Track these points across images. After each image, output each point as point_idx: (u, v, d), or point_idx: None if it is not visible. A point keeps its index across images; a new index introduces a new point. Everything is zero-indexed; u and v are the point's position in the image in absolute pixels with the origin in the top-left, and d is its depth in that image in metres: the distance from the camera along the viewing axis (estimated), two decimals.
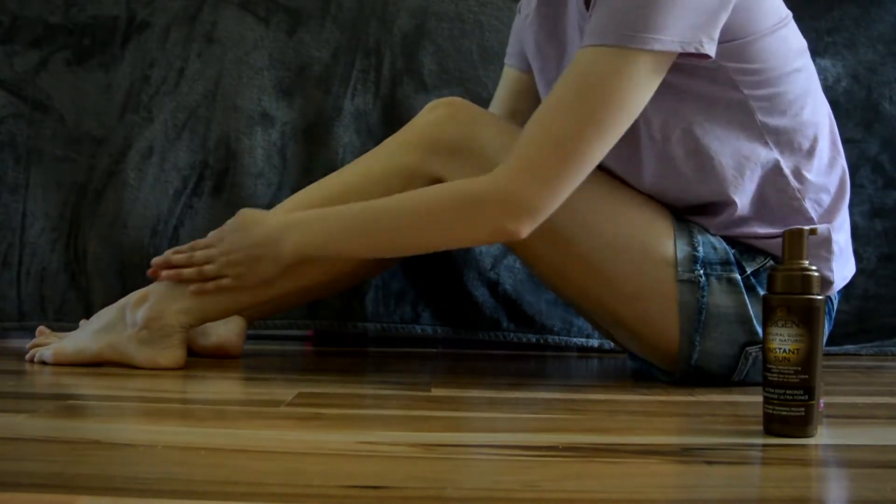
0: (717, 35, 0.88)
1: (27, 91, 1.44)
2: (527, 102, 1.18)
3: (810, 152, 0.98)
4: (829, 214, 1.00)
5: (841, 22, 1.47)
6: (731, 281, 0.97)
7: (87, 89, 1.44)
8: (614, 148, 0.93)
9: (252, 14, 1.44)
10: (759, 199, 0.98)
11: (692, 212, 1.02)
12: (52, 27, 1.45)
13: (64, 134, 1.43)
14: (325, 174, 1.11)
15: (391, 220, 0.95)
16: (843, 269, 1.02)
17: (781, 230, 0.95)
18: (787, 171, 0.97)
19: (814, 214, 0.98)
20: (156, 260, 1.08)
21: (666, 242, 0.98)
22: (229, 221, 1.05)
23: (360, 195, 1.02)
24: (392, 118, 1.41)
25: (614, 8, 0.86)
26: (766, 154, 0.96)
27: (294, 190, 1.42)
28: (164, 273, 1.07)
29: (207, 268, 1.04)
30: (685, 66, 0.92)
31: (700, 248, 0.97)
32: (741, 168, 0.96)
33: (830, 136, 1.01)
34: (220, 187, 1.42)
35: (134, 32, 1.45)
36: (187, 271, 1.05)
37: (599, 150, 0.88)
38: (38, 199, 1.43)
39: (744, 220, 0.99)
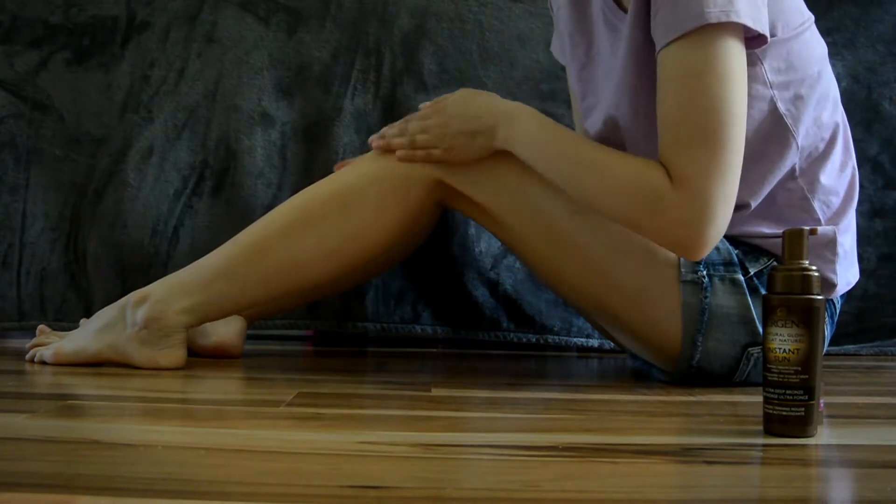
0: (766, 21, 0.88)
1: (27, 91, 1.44)
2: None
3: (825, 155, 0.98)
4: (837, 217, 1.00)
5: (841, 22, 1.47)
6: (734, 282, 0.97)
7: (87, 89, 1.44)
8: (644, 146, 0.93)
9: (252, 14, 1.44)
10: (769, 199, 0.98)
11: None
12: (52, 27, 1.45)
13: (64, 134, 1.43)
14: (324, 174, 1.11)
15: (593, 172, 0.92)
16: (846, 272, 1.02)
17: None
18: (798, 172, 0.97)
19: (822, 216, 0.99)
20: (373, 139, 1.07)
21: None
22: (451, 95, 1.03)
23: (359, 196, 1.02)
24: (392, 118, 1.41)
25: (670, 2, 0.86)
26: (790, 157, 0.96)
27: (294, 190, 1.42)
28: (375, 143, 1.06)
29: (420, 137, 1.02)
30: None
31: None
32: (766, 171, 0.96)
33: (844, 139, 1.01)
34: (220, 187, 1.42)
35: (134, 32, 1.45)
36: (397, 140, 1.04)
37: (739, 131, 0.86)
38: (38, 200, 1.43)
39: (752, 219, 0.99)
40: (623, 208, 0.91)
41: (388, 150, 1.04)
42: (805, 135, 0.96)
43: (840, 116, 1.01)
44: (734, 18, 0.84)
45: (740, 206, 0.98)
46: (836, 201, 1.00)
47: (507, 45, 1.43)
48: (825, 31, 1.48)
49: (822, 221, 0.99)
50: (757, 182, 0.97)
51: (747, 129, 0.93)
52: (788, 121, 0.95)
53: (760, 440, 0.69)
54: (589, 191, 0.93)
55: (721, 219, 0.87)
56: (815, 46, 0.98)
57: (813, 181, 0.98)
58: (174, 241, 1.40)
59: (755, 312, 0.96)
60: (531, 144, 0.96)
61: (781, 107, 0.95)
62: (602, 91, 1.05)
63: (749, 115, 0.93)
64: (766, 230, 0.99)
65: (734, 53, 0.86)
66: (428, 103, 1.05)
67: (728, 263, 0.97)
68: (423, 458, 0.60)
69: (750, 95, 0.92)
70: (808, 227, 0.71)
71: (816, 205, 0.98)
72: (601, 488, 0.53)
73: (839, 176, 1.00)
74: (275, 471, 0.55)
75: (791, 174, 0.98)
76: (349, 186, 1.05)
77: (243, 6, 1.44)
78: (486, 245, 1.39)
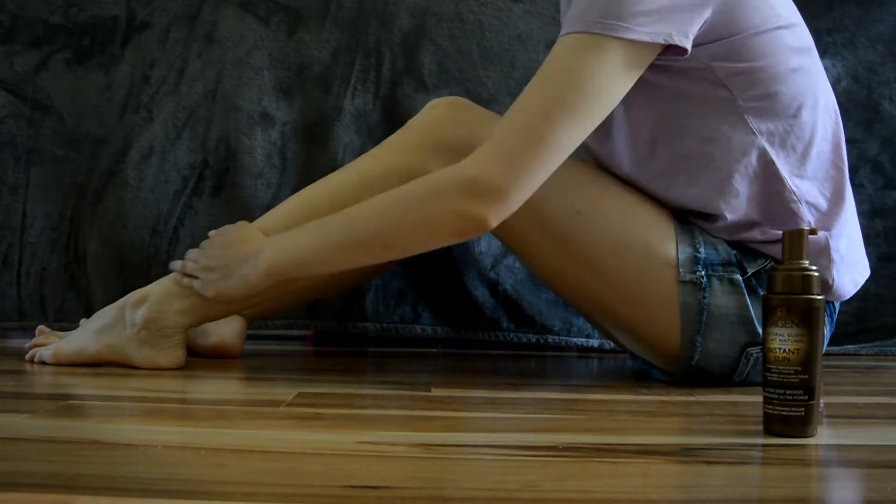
0: (693, 29, 0.88)
1: (27, 91, 1.44)
2: None
3: (805, 154, 0.97)
4: (828, 221, 0.98)
5: (841, 22, 1.47)
6: (732, 282, 0.97)
7: (87, 89, 1.44)
8: (606, 146, 0.93)
9: (252, 14, 1.44)
10: (756, 203, 0.97)
11: (691, 216, 1.02)
12: (52, 27, 1.45)
13: (64, 134, 1.43)
14: (324, 174, 1.11)
15: (364, 221, 0.93)
16: (848, 274, 1.01)
17: (781, 234, 0.96)
18: (783, 173, 0.96)
19: (811, 219, 0.97)
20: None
21: (667, 243, 0.98)
22: (227, 231, 1.04)
23: (360, 195, 1.02)
24: (392, 118, 1.41)
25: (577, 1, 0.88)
26: (760, 156, 0.96)
27: (294, 190, 1.42)
28: (172, 266, 1.07)
29: (188, 264, 1.04)
30: (673, 66, 0.92)
31: (702, 249, 0.97)
32: (731, 170, 0.96)
33: (832, 141, 0.99)
34: (220, 187, 1.42)
35: (134, 32, 1.45)
36: (178, 262, 1.06)
37: (571, 137, 0.87)
38: (38, 199, 1.43)
39: (742, 226, 0.98)
40: (412, 223, 0.90)
41: (172, 267, 1.07)
42: (773, 131, 0.95)
43: (830, 115, 0.99)
44: (626, 36, 0.85)
45: (714, 213, 0.98)
46: (824, 205, 0.98)
47: (507, 45, 1.43)
48: (825, 31, 1.48)
49: (814, 225, 0.98)
50: (724, 183, 0.96)
51: (701, 128, 0.94)
52: (749, 116, 0.94)
53: (760, 440, 0.69)
54: (376, 237, 0.92)
55: (510, 197, 0.86)
56: (788, 44, 0.95)
57: (797, 183, 0.97)
58: (174, 241, 1.40)
59: (754, 313, 0.96)
60: (297, 253, 0.95)
61: (742, 104, 0.94)
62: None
63: (700, 115, 0.94)
64: (759, 236, 0.98)
65: (613, 70, 0.86)
66: (215, 232, 1.06)
67: (726, 264, 0.97)
68: (423, 458, 0.60)
69: (700, 95, 0.93)
70: (807, 228, 0.71)
71: (804, 209, 0.97)
72: (601, 488, 0.53)
73: (826, 178, 0.99)
74: (275, 471, 0.55)
75: (772, 175, 0.96)
76: (355, 188, 1.06)
77: (243, 6, 1.44)
78: (486, 245, 1.39)
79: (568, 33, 0.88)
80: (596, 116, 0.88)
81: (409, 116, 1.11)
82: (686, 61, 0.91)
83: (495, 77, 1.43)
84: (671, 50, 0.89)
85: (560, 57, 0.88)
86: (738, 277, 0.97)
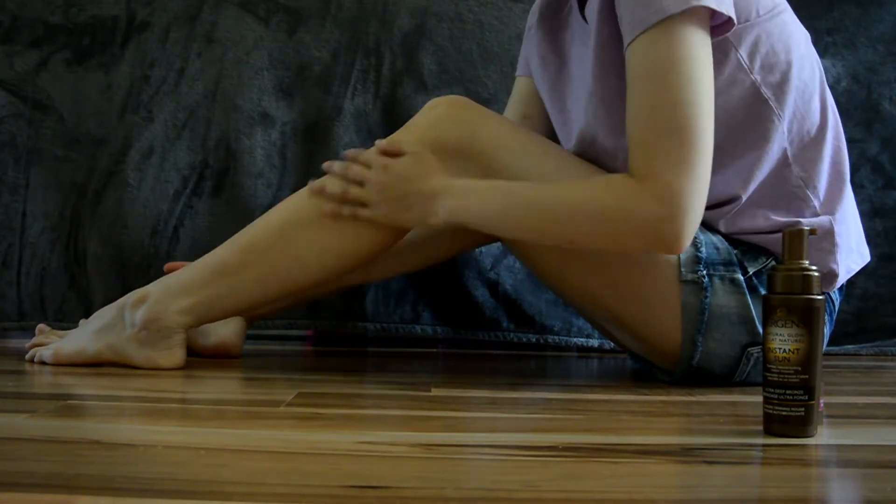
0: (730, 4, 0.88)
1: (27, 91, 1.44)
2: (538, 107, 1.19)
3: (818, 140, 0.98)
4: (831, 205, 1.00)
5: (841, 22, 1.47)
6: (733, 281, 0.97)
7: (87, 89, 1.44)
8: (622, 161, 0.93)
9: (252, 14, 1.44)
10: (764, 188, 0.98)
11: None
12: (52, 27, 1.45)
13: (64, 134, 1.43)
14: (324, 174, 1.11)
15: (547, 212, 0.92)
16: (846, 261, 1.01)
17: (784, 223, 0.96)
18: (791, 159, 0.97)
19: (816, 204, 0.99)
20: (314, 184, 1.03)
21: None
22: (406, 159, 0.99)
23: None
24: (392, 118, 1.41)
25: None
26: (779, 141, 0.96)
27: (294, 190, 1.42)
28: (311, 185, 1.03)
29: (354, 191, 1.00)
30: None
31: (703, 249, 0.97)
32: (757, 157, 0.97)
33: (834, 125, 1.01)
34: (220, 187, 1.42)
35: (134, 32, 1.45)
36: (332, 184, 1.01)
37: (707, 123, 0.86)
38: (38, 199, 1.43)
39: (748, 210, 0.98)
40: (598, 234, 0.90)
41: (318, 191, 1.02)
42: (792, 118, 0.97)
43: (829, 101, 1.01)
44: (692, 4, 0.85)
45: (731, 199, 0.98)
46: (829, 189, 1.00)
47: (507, 45, 1.43)
48: (826, 31, 1.48)
49: (818, 208, 0.99)
50: (745, 170, 0.97)
51: (728, 117, 0.94)
52: (773, 104, 0.95)
53: (760, 440, 0.68)
54: (559, 234, 0.93)
55: (693, 212, 0.86)
56: (794, 29, 0.98)
57: (807, 168, 0.98)
58: (174, 241, 1.40)
59: (755, 312, 0.96)
60: (479, 210, 0.95)
61: (766, 91, 0.95)
62: (574, 108, 1.06)
63: (727, 103, 0.94)
64: (763, 222, 0.98)
65: (698, 44, 0.86)
66: (382, 141, 1.02)
67: (728, 263, 0.97)
68: (423, 458, 0.60)
69: (726, 83, 0.93)
70: (808, 227, 0.71)
71: (811, 192, 0.98)
72: (601, 488, 0.53)
73: (832, 163, 1.00)
74: (275, 471, 0.55)
75: (784, 161, 0.97)
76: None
77: (243, 6, 1.44)
78: (486, 245, 1.39)
79: (637, 36, 0.87)
80: (711, 93, 0.87)
81: (409, 116, 1.11)
82: (715, 49, 0.91)
83: (495, 77, 1.43)
84: (716, 31, 0.89)
85: (648, 60, 0.87)
86: (740, 277, 0.97)
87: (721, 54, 0.92)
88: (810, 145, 0.98)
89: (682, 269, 0.96)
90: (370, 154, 1.01)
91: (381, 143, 1.02)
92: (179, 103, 1.43)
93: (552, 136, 1.13)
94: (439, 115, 1.05)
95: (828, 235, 0.98)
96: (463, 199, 0.96)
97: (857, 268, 1.04)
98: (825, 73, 1.05)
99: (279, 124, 1.43)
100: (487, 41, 1.43)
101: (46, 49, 1.45)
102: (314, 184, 1.03)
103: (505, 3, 1.44)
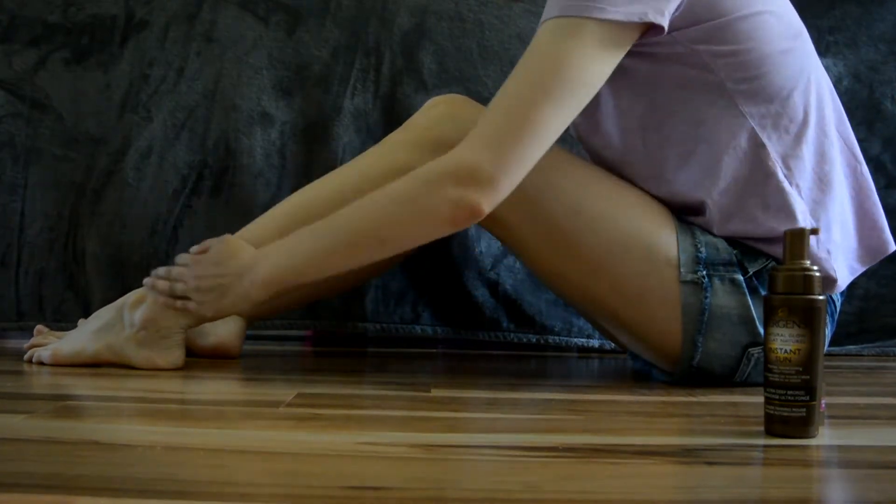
0: (670, 8, 0.89)
1: (26, 90, 1.44)
2: None
3: (799, 139, 0.96)
4: (819, 207, 0.98)
5: (842, 21, 1.47)
6: (733, 282, 0.96)
7: (85, 88, 1.44)
8: (596, 136, 0.93)
9: (251, 13, 1.44)
10: (745, 187, 0.97)
11: (685, 211, 1.02)
12: (50, 26, 1.45)
13: (62, 133, 1.43)
14: (324, 174, 1.11)
15: (357, 220, 0.93)
16: (845, 264, 1.01)
17: (780, 228, 0.96)
18: (774, 156, 0.96)
19: (805, 206, 0.97)
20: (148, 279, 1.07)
21: (669, 243, 0.97)
22: (214, 247, 1.02)
23: (358, 195, 1.02)
24: (392, 118, 1.41)
25: None
26: (750, 138, 0.95)
27: (293, 189, 1.42)
28: (146, 280, 1.06)
29: (177, 286, 1.03)
30: (658, 53, 0.93)
31: (703, 249, 0.97)
32: (720, 153, 0.96)
33: (819, 125, 0.98)
34: (220, 187, 1.41)
35: (133, 31, 1.45)
36: (160, 283, 1.04)
37: (555, 121, 0.88)
38: (37, 199, 1.43)
39: (734, 215, 0.98)
40: (407, 218, 0.91)
41: (150, 287, 1.04)
42: (764, 114, 0.95)
43: (818, 101, 0.99)
44: (601, 16, 0.86)
45: (700, 205, 0.98)
46: (815, 192, 0.98)
47: (507, 45, 1.43)
48: (827, 31, 1.48)
49: (808, 210, 0.97)
50: (714, 167, 0.96)
51: (691, 114, 0.95)
52: (738, 98, 0.95)
53: (761, 441, 0.68)
54: (373, 238, 0.92)
55: (498, 181, 0.87)
56: (776, 27, 0.95)
57: (792, 168, 0.96)
58: (173, 240, 1.40)
59: (755, 313, 0.96)
60: (291, 259, 0.95)
61: (729, 85, 0.94)
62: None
63: (691, 102, 0.95)
64: (754, 226, 0.97)
65: (592, 52, 0.87)
66: (195, 247, 1.04)
67: (728, 263, 0.97)
68: (423, 458, 0.60)
69: (691, 82, 0.94)
70: (809, 227, 0.71)
71: (794, 194, 0.96)
72: (601, 489, 0.53)
73: (817, 165, 0.98)
74: (274, 471, 0.55)
75: (765, 161, 0.95)
76: (354, 187, 1.05)
77: (243, 5, 1.44)
78: (486, 245, 1.38)
79: (546, 19, 0.89)
80: (579, 99, 0.89)
81: (409, 116, 1.11)
82: (670, 46, 0.92)
83: (495, 76, 1.42)
84: (652, 31, 0.90)
85: (540, 43, 0.89)
86: (740, 277, 0.97)
87: (683, 53, 0.93)
88: (794, 145, 0.96)
89: (682, 270, 0.96)
90: (186, 255, 1.05)
91: (193, 248, 1.05)
92: (178, 103, 1.43)
93: None
94: (438, 114, 1.05)
95: (819, 244, 0.98)
96: (269, 259, 0.97)
97: (859, 267, 1.03)
98: (826, 73, 1.04)
99: (279, 124, 1.43)
100: (487, 40, 1.43)
101: (45, 48, 1.44)
102: (147, 280, 1.06)
103: (505, 3, 1.44)
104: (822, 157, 0.99)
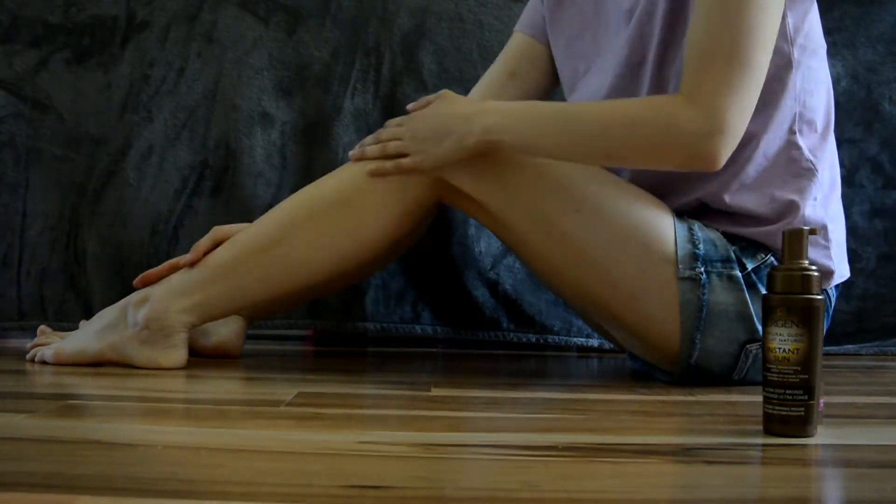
0: None
1: (27, 91, 1.44)
2: (529, 69, 1.20)
3: (823, 137, 1.01)
4: (825, 203, 1.01)
5: (841, 21, 1.47)
6: (731, 278, 0.97)
7: (86, 89, 1.44)
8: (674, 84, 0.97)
9: (252, 14, 1.44)
10: (777, 159, 0.99)
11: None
12: (51, 27, 1.45)
13: (63, 134, 1.43)
14: (324, 174, 1.11)
15: (587, 124, 0.94)
16: (840, 262, 1.03)
17: (785, 204, 0.97)
18: (800, 140, 0.98)
19: (819, 194, 0.99)
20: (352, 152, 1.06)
21: (666, 240, 0.98)
22: (432, 103, 1.02)
23: (360, 193, 1.02)
24: (392, 118, 1.41)
25: None
26: (792, 123, 0.98)
27: (293, 189, 1.41)
28: (352, 154, 1.06)
29: (391, 145, 1.02)
30: None
31: (701, 246, 0.97)
32: (770, 127, 0.98)
33: (832, 129, 1.03)
34: (220, 187, 1.42)
35: (133, 32, 1.45)
36: (370, 148, 1.03)
37: (763, 58, 0.90)
38: (38, 199, 1.43)
39: (756, 185, 0.99)
40: (636, 146, 0.92)
41: (359, 156, 1.05)
42: (800, 97, 0.98)
43: (832, 106, 1.03)
44: None
45: (749, 138, 0.97)
46: (826, 187, 1.01)
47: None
48: (825, 31, 1.48)
49: (818, 202, 1.00)
50: (762, 118, 0.98)
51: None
52: (797, 79, 0.97)
53: (760, 440, 0.69)
54: (596, 146, 0.94)
55: (732, 133, 0.89)
56: (818, 21, 1.01)
57: (816, 155, 0.99)
58: (174, 240, 1.40)
59: (753, 309, 0.96)
60: (517, 124, 0.96)
61: (795, 65, 0.97)
62: (610, 46, 1.06)
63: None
64: (766, 201, 0.98)
65: None
66: (412, 104, 1.05)
67: (726, 260, 0.97)
68: (423, 458, 0.60)
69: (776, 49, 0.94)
70: (807, 228, 0.71)
71: (817, 180, 0.99)
72: (601, 488, 0.53)
73: (829, 161, 1.02)
74: (275, 471, 0.55)
75: (792, 139, 0.98)
76: (350, 184, 1.05)
77: (243, 6, 1.44)
78: (486, 245, 1.39)
79: None
80: (776, 26, 0.90)
81: None
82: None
83: None
84: None
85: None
86: (738, 273, 0.97)
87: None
88: (817, 138, 1.00)
89: (680, 266, 0.96)
90: (395, 119, 1.05)
91: (410, 105, 1.05)
92: (179, 103, 1.43)
93: (540, 99, 1.15)
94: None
95: (822, 231, 1.00)
96: (497, 116, 0.97)
97: (846, 275, 1.05)
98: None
99: (279, 124, 1.43)
100: (487, 41, 1.43)
101: (46, 49, 1.45)
102: (354, 152, 1.06)
103: (505, 3, 1.44)
104: (833, 162, 1.03)
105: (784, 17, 0.94)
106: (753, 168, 0.98)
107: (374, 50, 1.44)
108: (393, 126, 1.04)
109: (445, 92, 1.03)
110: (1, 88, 1.44)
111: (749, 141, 0.96)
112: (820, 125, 1.00)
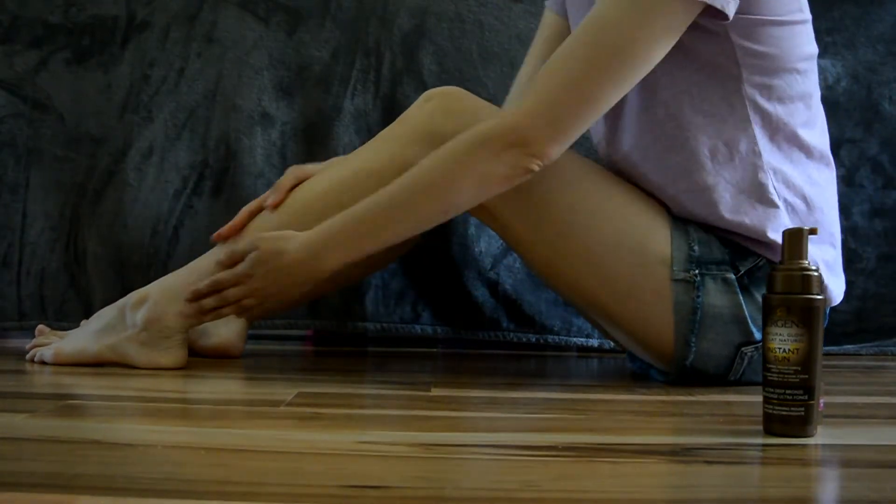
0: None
1: (27, 91, 1.44)
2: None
3: (795, 157, 0.97)
4: (805, 223, 0.98)
5: (841, 22, 1.47)
6: (726, 281, 0.97)
7: (86, 89, 1.44)
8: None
9: (252, 14, 1.44)
10: (741, 192, 0.97)
11: (682, 199, 1.01)
12: (51, 27, 1.45)
13: (64, 134, 1.43)
14: None
15: (413, 190, 0.93)
16: (834, 284, 1.01)
17: (768, 231, 0.96)
18: (768, 166, 0.96)
19: (790, 222, 0.97)
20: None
21: (662, 241, 0.98)
22: (250, 256, 0.97)
23: (352, 191, 1.02)
24: (392, 118, 1.40)
25: None
26: (748, 145, 0.96)
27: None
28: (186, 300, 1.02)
29: (232, 292, 0.99)
30: (696, 27, 0.92)
31: (696, 248, 0.97)
32: (716, 151, 0.96)
33: (820, 148, 1.00)
34: (220, 187, 1.42)
35: (134, 32, 1.45)
36: (208, 301, 1.00)
37: (612, 96, 0.89)
38: (38, 199, 1.43)
39: (728, 211, 0.97)
40: (459, 176, 0.91)
41: (198, 313, 1.01)
42: (767, 122, 0.95)
43: (819, 125, 1.00)
44: None
45: (700, 188, 0.97)
46: (803, 207, 0.98)
47: (507, 45, 1.43)
48: (825, 31, 1.48)
49: (800, 224, 0.97)
50: (708, 161, 0.96)
51: (703, 102, 0.95)
52: (749, 100, 0.95)
53: (760, 440, 0.69)
54: (437, 195, 0.92)
55: (554, 139, 0.89)
56: (799, 44, 0.96)
57: (783, 181, 0.96)
58: (174, 240, 1.40)
59: (747, 311, 0.96)
60: (358, 243, 0.94)
61: (746, 88, 0.94)
62: None
63: (707, 88, 0.95)
64: (744, 223, 0.97)
65: (660, 32, 0.87)
66: (234, 270, 0.98)
67: (720, 262, 0.97)
68: (423, 458, 0.61)
69: (715, 67, 0.93)
70: (808, 227, 0.71)
71: (783, 208, 0.96)
72: (601, 488, 0.53)
73: (810, 180, 0.99)
74: (275, 471, 0.55)
75: (758, 167, 0.96)
76: (348, 183, 1.05)
77: (243, 6, 1.44)
78: (486, 245, 1.39)
79: None
80: (637, 77, 0.89)
81: None
82: (709, 29, 0.92)
83: (495, 77, 1.43)
84: (708, 12, 0.89)
85: (605, 14, 0.88)
86: (732, 276, 0.97)
87: (720, 36, 0.92)
88: (787, 158, 0.97)
89: (675, 268, 0.97)
90: (224, 276, 0.99)
91: (221, 258, 1.00)
92: (179, 103, 1.43)
93: None
94: (432, 107, 1.04)
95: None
96: (336, 242, 0.94)
97: (841, 295, 1.03)
98: (825, 74, 1.05)
99: (279, 124, 1.43)
100: (487, 41, 1.43)
101: (46, 49, 1.45)
102: (186, 309, 1.02)
103: (505, 3, 1.44)
104: (817, 181, 0.99)
105: (730, 44, 0.93)
106: (719, 202, 0.97)
107: (374, 50, 1.44)
108: (229, 284, 0.99)
109: (262, 239, 0.98)
110: (1, 88, 1.44)
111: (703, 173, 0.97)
112: (791, 147, 0.97)
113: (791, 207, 0.97)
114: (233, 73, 1.43)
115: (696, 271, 0.96)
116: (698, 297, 0.96)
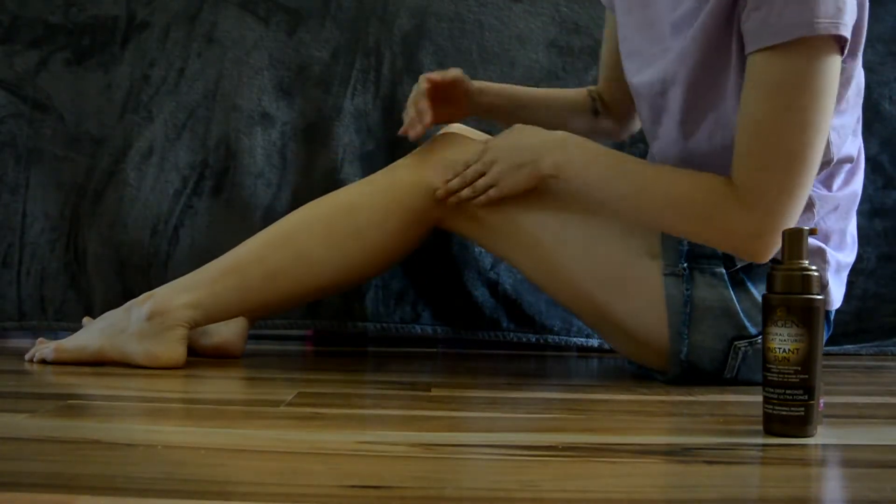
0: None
1: (27, 91, 1.44)
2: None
3: (832, 173, 0.99)
4: (828, 234, 1.00)
5: None
6: (715, 275, 0.98)
7: (86, 89, 1.44)
8: (685, 119, 0.97)
9: (252, 14, 1.44)
10: None
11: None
12: (51, 27, 1.45)
13: (64, 134, 1.43)
14: (324, 174, 1.12)
15: (644, 189, 0.95)
16: (836, 288, 1.01)
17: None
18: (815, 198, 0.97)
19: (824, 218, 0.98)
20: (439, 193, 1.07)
21: (651, 236, 0.99)
22: (502, 133, 1.05)
23: (368, 197, 1.04)
24: (392, 118, 1.41)
25: (779, 2, 0.83)
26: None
27: (293, 190, 1.42)
28: (439, 194, 1.07)
29: (480, 182, 1.03)
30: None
31: (685, 241, 0.98)
32: None
33: (852, 152, 1.01)
34: (220, 187, 1.42)
35: (134, 32, 1.45)
36: (464, 192, 1.05)
37: (820, 149, 0.88)
38: (38, 199, 1.43)
39: None
40: (681, 222, 0.94)
41: (457, 202, 1.06)
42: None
43: (857, 147, 1.01)
44: (842, 32, 0.83)
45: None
46: (833, 217, 1.00)
47: (507, 45, 1.43)
48: None
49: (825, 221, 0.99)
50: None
51: None
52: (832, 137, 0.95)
53: (760, 440, 0.69)
54: (645, 209, 0.95)
55: (781, 232, 0.88)
56: (851, 98, 0.98)
57: (820, 192, 0.98)
58: (174, 241, 1.40)
59: (739, 306, 0.97)
60: (582, 168, 0.98)
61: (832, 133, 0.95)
62: (656, 52, 1.02)
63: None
64: None
65: (832, 69, 0.85)
66: (480, 145, 1.06)
67: (711, 257, 0.98)
68: (423, 458, 0.61)
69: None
70: (807, 227, 0.71)
71: (818, 211, 0.98)
72: (601, 488, 0.53)
73: (849, 192, 1.01)
74: (275, 471, 0.55)
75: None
76: (358, 192, 1.10)
77: (243, 6, 1.44)
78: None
79: (773, 46, 0.84)
80: (830, 119, 0.88)
81: None
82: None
83: (495, 77, 1.42)
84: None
85: (781, 75, 0.85)
86: (722, 270, 0.98)
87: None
88: (827, 175, 0.98)
89: (664, 262, 0.98)
90: (471, 155, 1.05)
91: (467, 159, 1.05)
92: (179, 103, 1.43)
93: None
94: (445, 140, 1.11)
95: (819, 252, 0.98)
96: (567, 151, 0.98)
97: (838, 302, 1.03)
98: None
99: (279, 124, 1.43)
100: (487, 41, 1.43)
101: (46, 49, 1.45)
102: (440, 192, 1.07)
103: (505, 3, 1.44)
104: (844, 191, 1.01)
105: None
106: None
107: (374, 50, 1.44)
108: (473, 163, 1.05)
109: (516, 126, 1.05)
110: (1, 88, 1.44)
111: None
112: (833, 159, 0.97)
113: (821, 219, 0.99)
114: (233, 73, 1.43)
115: (685, 265, 0.98)
116: (688, 290, 0.97)
